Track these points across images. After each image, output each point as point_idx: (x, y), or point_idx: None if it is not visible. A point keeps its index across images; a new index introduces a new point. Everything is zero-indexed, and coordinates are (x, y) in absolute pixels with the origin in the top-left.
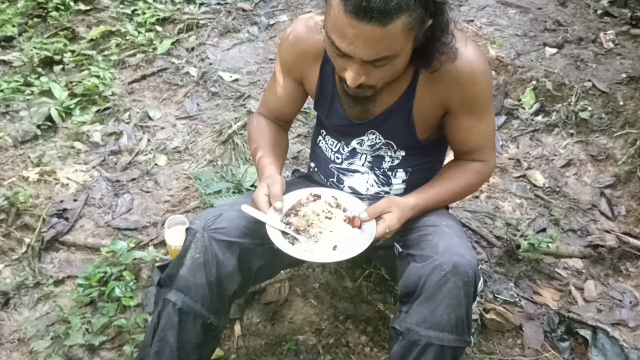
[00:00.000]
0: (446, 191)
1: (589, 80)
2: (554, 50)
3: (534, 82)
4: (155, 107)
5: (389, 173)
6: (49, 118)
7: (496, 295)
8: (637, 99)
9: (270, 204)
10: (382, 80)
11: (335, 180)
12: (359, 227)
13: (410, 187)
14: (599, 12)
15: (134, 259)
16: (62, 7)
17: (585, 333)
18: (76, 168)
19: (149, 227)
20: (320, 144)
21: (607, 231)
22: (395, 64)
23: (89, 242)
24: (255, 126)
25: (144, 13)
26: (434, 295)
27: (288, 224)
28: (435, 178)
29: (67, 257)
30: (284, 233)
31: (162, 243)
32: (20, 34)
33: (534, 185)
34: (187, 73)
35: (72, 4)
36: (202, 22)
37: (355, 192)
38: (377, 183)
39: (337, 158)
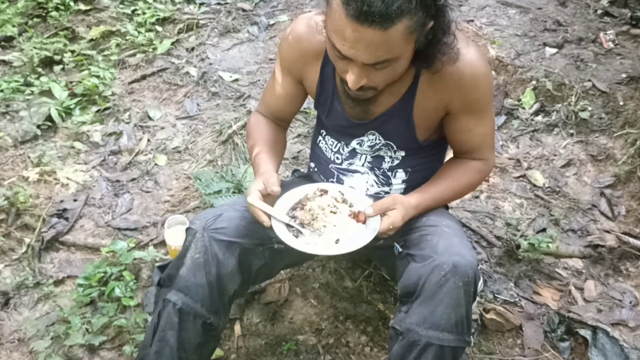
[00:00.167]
0: (447, 190)
1: (589, 80)
2: (554, 50)
3: (534, 82)
4: (155, 107)
5: (389, 173)
6: (49, 118)
7: (496, 295)
8: (637, 99)
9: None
10: (383, 82)
11: (335, 180)
12: (364, 222)
13: (410, 187)
14: (599, 12)
15: (134, 259)
16: (62, 7)
17: (585, 333)
18: (76, 168)
19: (149, 227)
20: (320, 144)
21: (607, 231)
22: (396, 66)
23: (89, 242)
24: (253, 124)
25: (144, 13)
26: (433, 295)
27: (293, 217)
28: (436, 176)
29: (67, 257)
30: (288, 226)
31: (162, 243)
32: (20, 34)
33: (534, 185)
34: (187, 73)
35: (72, 4)
36: (202, 22)
37: None
38: (377, 183)
39: (337, 158)
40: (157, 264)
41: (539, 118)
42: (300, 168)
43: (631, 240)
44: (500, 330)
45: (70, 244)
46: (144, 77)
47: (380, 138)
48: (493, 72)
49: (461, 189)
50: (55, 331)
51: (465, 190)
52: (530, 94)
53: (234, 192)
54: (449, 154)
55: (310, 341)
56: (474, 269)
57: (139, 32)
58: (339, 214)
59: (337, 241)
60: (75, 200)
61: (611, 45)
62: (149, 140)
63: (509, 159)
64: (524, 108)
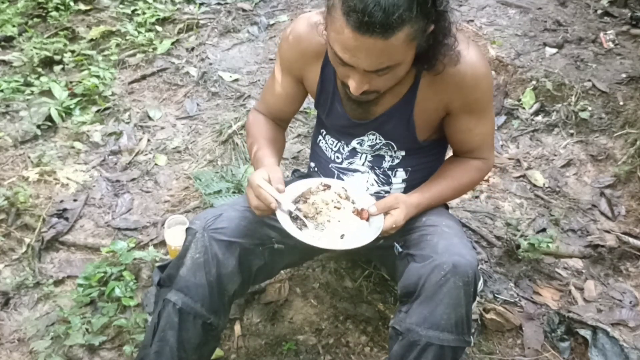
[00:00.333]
0: (448, 188)
1: (589, 80)
2: (554, 50)
3: (534, 82)
4: (155, 107)
5: (389, 172)
6: (49, 118)
7: (496, 295)
8: (637, 99)
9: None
10: (385, 87)
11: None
12: (367, 220)
13: (410, 186)
14: (599, 12)
15: (134, 259)
16: (62, 7)
17: (585, 333)
18: (76, 168)
19: (149, 227)
20: (321, 144)
21: (607, 231)
22: (398, 71)
23: (89, 242)
24: (252, 122)
25: (144, 13)
26: (433, 295)
27: (298, 210)
28: (436, 175)
29: (67, 257)
30: (292, 219)
31: (162, 243)
32: (20, 34)
33: (534, 185)
34: (187, 73)
35: (72, 4)
36: (202, 22)
37: None
38: (377, 182)
39: (337, 158)
40: (157, 264)
41: (539, 118)
42: (300, 168)
43: (631, 240)
44: (500, 330)
45: (70, 244)
46: (144, 77)
47: (381, 138)
48: (493, 72)
49: (461, 187)
50: (55, 331)
51: (465, 188)
52: (530, 94)
53: (234, 192)
54: (449, 153)
55: (310, 341)
56: (474, 269)
57: (139, 32)
58: (343, 209)
59: (342, 236)
60: (75, 200)
61: (611, 45)
62: (149, 140)
63: (509, 159)
64: (524, 108)
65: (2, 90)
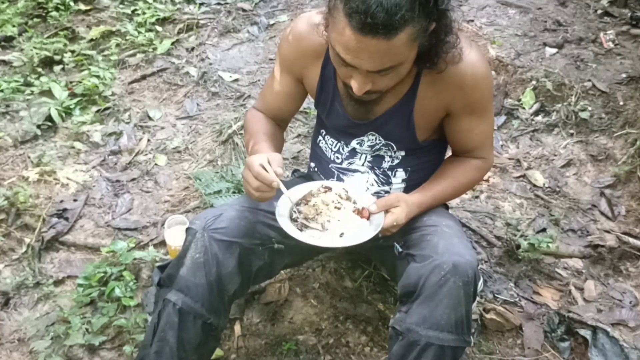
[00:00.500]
0: (449, 188)
1: (589, 80)
2: (554, 50)
3: (534, 82)
4: (155, 107)
5: (389, 172)
6: (49, 118)
7: (496, 295)
8: (637, 99)
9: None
10: (387, 86)
11: (335, 179)
12: (367, 219)
13: (410, 186)
14: (599, 12)
15: (134, 259)
16: (62, 7)
17: (585, 333)
18: (76, 168)
19: (149, 227)
20: (321, 144)
21: (607, 231)
22: (400, 70)
23: (89, 242)
24: (250, 118)
25: (144, 13)
26: (433, 295)
27: (298, 212)
28: (437, 175)
29: (67, 257)
30: (292, 220)
31: (162, 243)
32: (20, 34)
33: (534, 185)
34: (187, 73)
35: (72, 4)
36: (202, 22)
37: None
38: (377, 182)
39: (337, 158)
40: (157, 264)
41: (539, 118)
42: (300, 168)
43: (631, 240)
44: (500, 330)
45: (70, 244)
46: (144, 77)
47: (380, 138)
48: (493, 72)
49: (462, 187)
50: (55, 331)
51: (465, 188)
52: (530, 94)
53: (234, 192)
54: (448, 153)
55: (310, 341)
56: (474, 269)
57: (139, 32)
58: (343, 209)
59: (341, 235)
60: (75, 200)
61: (611, 45)
62: (149, 140)
63: (509, 159)
64: (524, 108)
65: (2, 90)
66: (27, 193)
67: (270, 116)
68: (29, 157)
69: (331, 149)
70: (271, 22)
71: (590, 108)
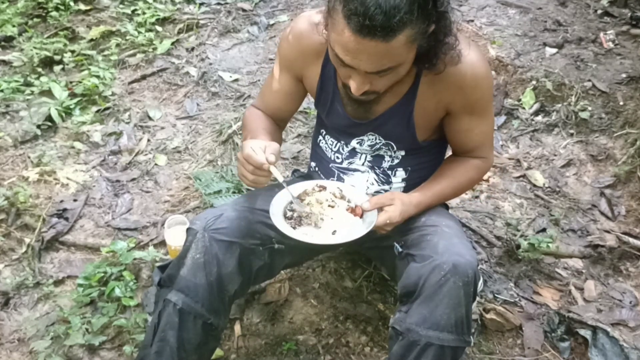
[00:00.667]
0: (448, 187)
1: (589, 80)
2: (554, 50)
3: (534, 82)
4: (155, 107)
5: (389, 172)
6: (49, 118)
7: (496, 295)
8: (637, 99)
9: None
10: (386, 86)
11: (335, 179)
12: (361, 217)
13: (410, 185)
14: (599, 12)
15: (134, 259)
16: (62, 7)
17: (585, 333)
18: (76, 168)
19: (149, 227)
20: (321, 144)
21: (607, 231)
22: (399, 71)
23: (89, 242)
24: (249, 115)
25: (144, 13)
26: (433, 295)
27: (292, 210)
28: (436, 174)
29: (67, 257)
30: (286, 218)
31: (162, 243)
32: (20, 34)
33: (534, 185)
34: (187, 73)
35: (72, 4)
36: (202, 22)
37: None
38: (377, 182)
39: (337, 158)
40: (157, 264)
41: (539, 118)
42: (300, 168)
43: (631, 240)
44: (500, 330)
45: (70, 244)
46: (144, 77)
47: (380, 138)
48: (493, 72)
49: (461, 187)
50: (55, 331)
51: (465, 188)
52: (530, 94)
53: (234, 192)
54: (449, 153)
55: (310, 341)
56: (474, 269)
57: (139, 32)
58: (337, 208)
59: (333, 232)
60: (75, 200)
61: (611, 45)
62: (149, 140)
63: (509, 159)
64: (524, 108)
65: (2, 90)
66: (27, 193)
67: (269, 114)
68: (29, 157)
69: (331, 149)
70: (271, 22)
71: (590, 108)
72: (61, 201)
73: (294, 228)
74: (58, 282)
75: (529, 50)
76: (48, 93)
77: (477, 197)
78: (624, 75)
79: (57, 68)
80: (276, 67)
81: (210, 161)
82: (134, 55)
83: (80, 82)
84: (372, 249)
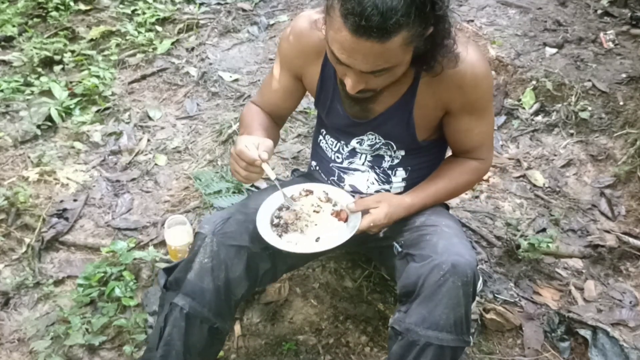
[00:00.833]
0: (443, 189)
1: (589, 80)
2: (554, 50)
3: (534, 82)
4: (155, 107)
5: (389, 172)
6: (49, 118)
7: (496, 295)
8: (637, 99)
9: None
10: (381, 86)
11: (336, 178)
12: (345, 221)
13: (410, 185)
14: (599, 12)
15: (134, 259)
16: (62, 7)
17: (585, 333)
18: (76, 168)
19: (149, 227)
20: (321, 144)
21: (607, 231)
22: (394, 72)
23: (89, 242)
24: (247, 112)
25: (144, 13)
26: (433, 295)
27: (279, 217)
28: (432, 176)
29: (67, 257)
30: (273, 225)
31: (162, 243)
32: (20, 34)
33: (534, 185)
34: (187, 73)
35: (72, 4)
36: (202, 22)
37: (356, 190)
38: (377, 181)
39: (338, 157)
40: (162, 267)
41: (539, 118)
42: (300, 168)
43: (631, 240)
44: (500, 330)
45: (70, 244)
46: (144, 77)
47: (380, 138)
48: (493, 72)
49: (457, 189)
50: (55, 331)
51: (460, 190)
52: (530, 94)
53: (234, 192)
54: (449, 152)
55: (310, 341)
56: (473, 269)
57: (139, 32)
58: (322, 212)
59: (317, 239)
60: (75, 200)
61: (611, 45)
62: (149, 140)
63: (509, 159)
64: (524, 108)
65: (2, 90)
66: (27, 193)
67: (267, 111)
68: (29, 157)
69: (332, 149)
70: (271, 22)
71: (590, 108)
72: (61, 201)
73: (280, 236)
74: (58, 282)
75: (529, 50)
76: (48, 93)
77: (477, 197)
78: (624, 75)
79: (57, 68)
80: (276, 65)
81: (210, 161)
82: (134, 55)
83: (80, 82)
84: (372, 249)
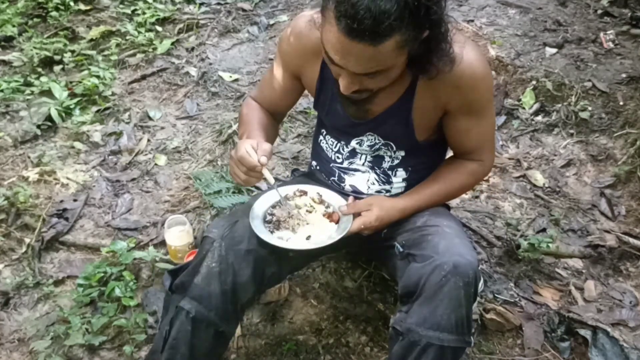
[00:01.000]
0: (439, 191)
1: (589, 80)
2: (554, 50)
3: (534, 82)
4: (155, 107)
5: (389, 172)
6: (49, 118)
7: (496, 295)
8: (637, 99)
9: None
10: (376, 87)
11: (336, 178)
12: (337, 222)
13: (410, 185)
14: (599, 12)
15: (134, 259)
16: (62, 7)
17: (585, 333)
18: (76, 168)
19: (149, 227)
20: (322, 144)
21: (607, 231)
22: (388, 74)
23: (89, 242)
24: (246, 109)
25: (144, 13)
26: (434, 296)
27: (272, 214)
28: (429, 178)
29: (67, 257)
30: (265, 222)
31: (162, 243)
32: (20, 34)
33: (534, 185)
34: (187, 73)
35: (72, 4)
36: (202, 22)
37: (356, 191)
38: (377, 182)
39: (338, 158)
40: (168, 268)
41: (539, 118)
42: (300, 168)
43: (631, 240)
44: (500, 330)
45: (70, 244)
46: (144, 77)
47: (380, 138)
48: (493, 72)
49: (454, 191)
50: (55, 331)
51: (457, 192)
52: (530, 94)
53: (233, 192)
54: (450, 152)
55: (310, 341)
56: (475, 269)
57: (139, 32)
58: (314, 213)
59: (308, 237)
60: (75, 200)
61: (611, 45)
62: (149, 140)
63: (509, 159)
64: (524, 108)
65: (2, 90)
66: (27, 193)
67: (265, 108)
68: (29, 157)
69: (332, 149)
70: (271, 22)
71: (590, 108)
72: (61, 201)
73: (272, 232)
74: (58, 282)
75: (529, 50)
76: (48, 93)
77: (477, 197)
78: (624, 75)
79: (57, 68)
80: (276, 64)
81: (210, 161)
82: (134, 55)
83: (80, 82)
84: (373, 249)
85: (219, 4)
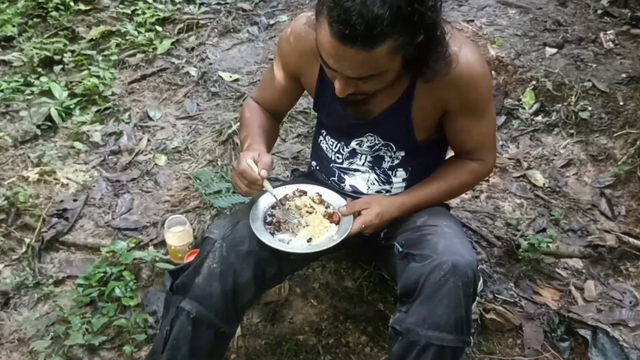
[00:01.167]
0: (438, 190)
1: (589, 80)
2: (554, 50)
3: (534, 82)
4: (155, 107)
5: (389, 172)
6: (49, 118)
7: (496, 295)
8: (637, 99)
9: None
10: (372, 90)
11: (336, 179)
12: (337, 223)
13: (411, 185)
14: (599, 12)
15: (134, 259)
16: (62, 7)
17: (585, 333)
18: (76, 168)
19: (149, 227)
20: (322, 144)
21: (607, 231)
22: (383, 78)
23: (89, 242)
24: (246, 110)
25: (144, 13)
26: (433, 295)
27: (272, 215)
28: (430, 177)
29: (67, 257)
30: (265, 223)
31: (162, 243)
32: (20, 34)
33: (534, 185)
34: (187, 73)
35: (72, 4)
36: (202, 22)
37: (356, 191)
38: (377, 182)
39: (338, 158)
40: (168, 269)
41: (539, 118)
42: (300, 168)
43: (631, 240)
44: (500, 330)
45: (70, 244)
46: (144, 77)
47: (379, 139)
48: (493, 72)
49: (453, 190)
50: (55, 331)
51: (457, 191)
52: (530, 94)
53: (233, 192)
54: (450, 152)
55: (310, 341)
56: (474, 269)
57: (139, 32)
58: (315, 214)
59: (309, 240)
60: (75, 200)
61: (611, 45)
62: (149, 140)
63: (509, 159)
64: (524, 108)
65: (2, 90)
66: (27, 193)
67: (266, 108)
68: (29, 157)
69: (332, 149)
70: (271, 22)
71: (590, 108)
72: (61, 201)
73: (272, 234)
74: (58, 282)
75: (529, 50)
76: (48, 93)
77: (477, 197)
78: (624, 75)
79: (57, 68)
80: (275, 65)
81: (210, 161)
82: (134, 55)
83: (80, 82)
84: (373, 249)
85: (219, 4)
